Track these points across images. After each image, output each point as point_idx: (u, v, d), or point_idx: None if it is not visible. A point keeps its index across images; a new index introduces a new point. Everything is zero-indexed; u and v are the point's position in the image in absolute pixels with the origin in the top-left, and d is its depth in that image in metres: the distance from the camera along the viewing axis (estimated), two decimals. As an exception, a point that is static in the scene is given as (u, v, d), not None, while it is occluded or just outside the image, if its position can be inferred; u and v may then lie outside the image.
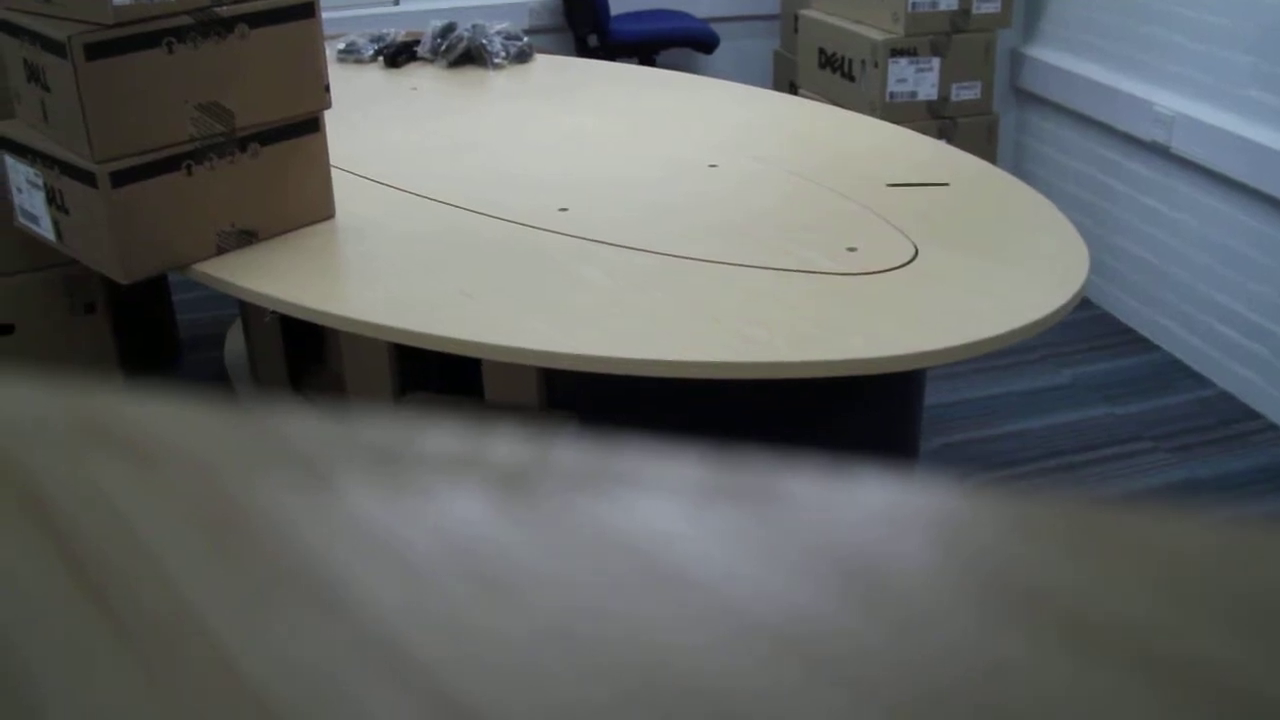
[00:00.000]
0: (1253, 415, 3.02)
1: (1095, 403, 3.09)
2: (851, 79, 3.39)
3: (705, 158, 2.46)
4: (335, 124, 2.17)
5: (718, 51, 4.21)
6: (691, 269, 1.94)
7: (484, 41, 3.13)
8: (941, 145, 2.60)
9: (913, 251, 2.01)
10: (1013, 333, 1.76)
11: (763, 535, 0.26)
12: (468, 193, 2.26)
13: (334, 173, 2.17)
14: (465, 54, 3.14)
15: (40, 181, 2.03)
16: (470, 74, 3.10)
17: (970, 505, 0.27)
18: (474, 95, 2.94)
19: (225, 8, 1.89)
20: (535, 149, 2.52)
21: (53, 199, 2.01)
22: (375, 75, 3.10)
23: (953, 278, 1.92)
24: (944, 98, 3.31)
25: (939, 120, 3.31)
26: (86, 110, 1.80)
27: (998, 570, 0.25)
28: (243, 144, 1.97)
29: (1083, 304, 3.51)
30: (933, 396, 3.03)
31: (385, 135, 2.61)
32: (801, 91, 3.55)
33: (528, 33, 3.36)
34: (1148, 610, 0.23)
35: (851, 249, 2.01)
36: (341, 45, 3.22)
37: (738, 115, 2.76)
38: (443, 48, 3.14)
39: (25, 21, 1.89)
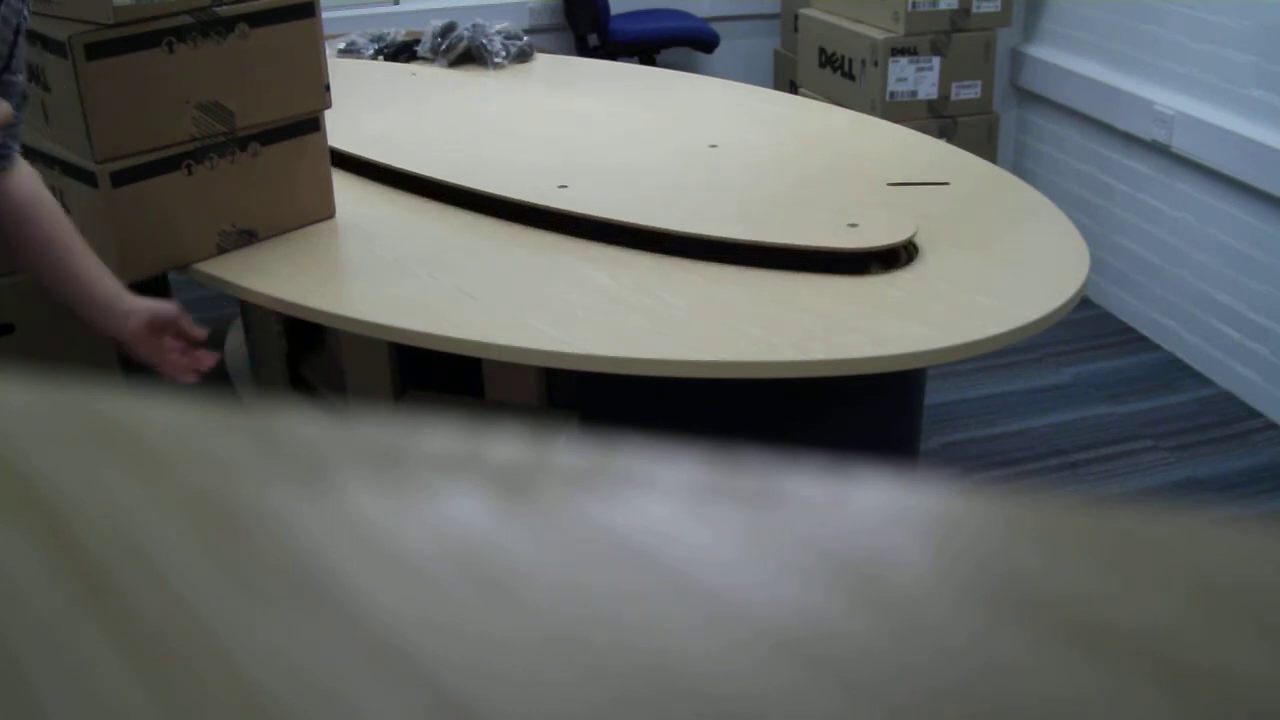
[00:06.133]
0: (1253, 415, 3.02)
1: (1096, 402, 3.09)
2: (852, 78, 3.39)
3: (705, 157, 2.46)
4: (336, 123, 2.17)
5: (718, 51, 4.21)
6: (692, 269, 1.94)
7: (484, 41, 3.13)
8: (942, 144, 2.60)
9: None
10: (1013, 331, 1.76)
11: (763, 535, 0.26)
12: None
13: (334, 172, 2.17)
14: (465, 53, 3.14)
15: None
16: (470, 74, 3.09)
17: (971, 505, 0.27)
18: (474, 96, 2.94)
19: (225, 7, 1.89)
20: (536, 148, 2.52)
21: (53, 199, 2.01)
22: (376, 74, 3.10)
23: (953, 277, 1.92)
24: (944, 97, 3.31)
25: (939, 119, 3.31)
26: (87, 110, 1.80)
27: (999, 570, 0.25)
28: (243, 144, 1.97)
29: (1083, 303, 3.50)
30: (933, 396, 3.03)
31: (385, 134, 2.61)
32: (802, 91, 3.55)
33: (528, 32, 3.36)
34: (1151, 611, 0.23)
35: (852, 248, 2.01)
36: (341, 45, 3.22)
37: (738, 114, 2.76)
38: (443, 47, 3.14)
39: (25, 21, 1.89)
